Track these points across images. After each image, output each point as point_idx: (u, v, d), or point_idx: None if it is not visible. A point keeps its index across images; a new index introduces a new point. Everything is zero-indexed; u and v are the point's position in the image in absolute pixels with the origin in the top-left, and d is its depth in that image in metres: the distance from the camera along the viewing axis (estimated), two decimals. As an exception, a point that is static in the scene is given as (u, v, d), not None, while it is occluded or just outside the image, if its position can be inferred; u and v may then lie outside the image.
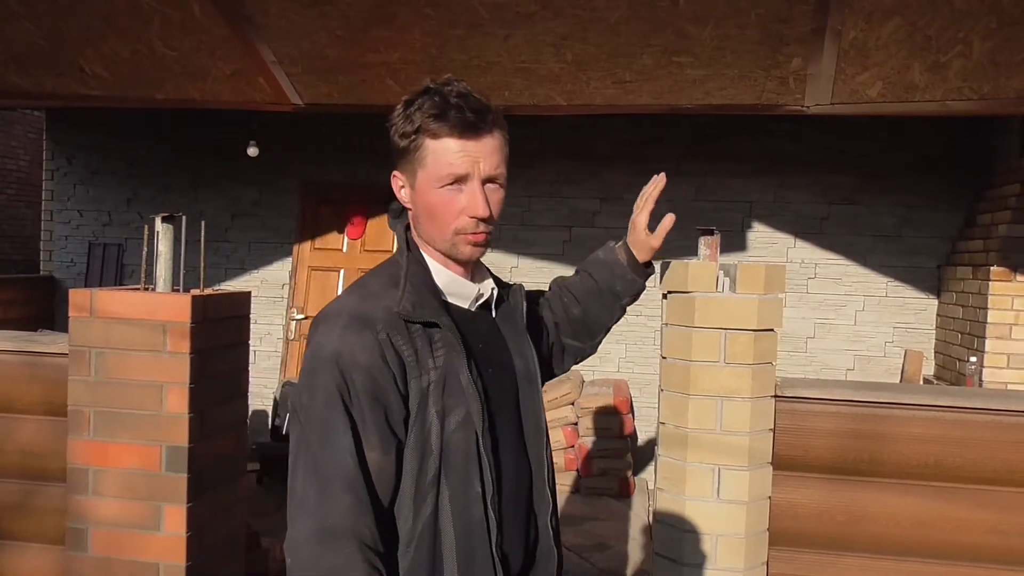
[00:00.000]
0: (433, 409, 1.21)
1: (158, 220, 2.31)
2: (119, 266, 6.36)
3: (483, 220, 1.26)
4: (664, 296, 2.28)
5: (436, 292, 1.30)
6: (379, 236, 6.03)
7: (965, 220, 5.43)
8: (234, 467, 2.47)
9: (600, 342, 1.72)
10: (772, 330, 2.22)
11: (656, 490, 2.33)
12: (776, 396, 2.28)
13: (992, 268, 4.66)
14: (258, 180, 6.15)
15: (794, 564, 2.34)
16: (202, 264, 2.36)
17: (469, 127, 1.25)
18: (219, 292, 2.41)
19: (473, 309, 1.35)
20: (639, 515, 4.86)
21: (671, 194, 6.04)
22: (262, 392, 5.78)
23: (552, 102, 4.59)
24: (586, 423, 5.26)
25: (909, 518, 2.31)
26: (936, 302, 5.55)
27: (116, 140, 6.43)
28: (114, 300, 2.21)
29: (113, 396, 2.21)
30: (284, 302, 6.13)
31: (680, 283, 2.21)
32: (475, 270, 1.37)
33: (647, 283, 1.69)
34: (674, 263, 2.21)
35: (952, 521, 2.30)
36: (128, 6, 3.90)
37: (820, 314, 5.66)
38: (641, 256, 1.65)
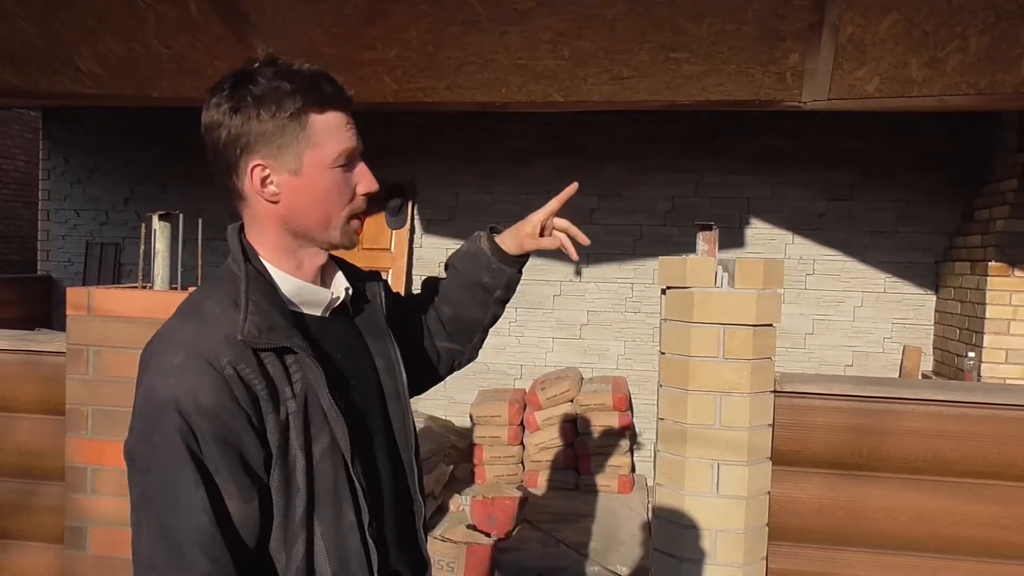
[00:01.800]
0: (295, 443, 1.08)
1: (155, 218, 2.30)
2: (116, 265, 6.35)
3: (372, 198, 1.19)
4: (662, 292, 2.28)
5: (282, 306, 1.14)
6: (376, 234, 6.02)
7: (963, 216, 5.43)
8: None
9: (478, 345, 1.59)
10: (771, 325, 2.22)
11: (655, 486, 2.33)
12: (775, 391, 2.28)
13: (990, 263, 4.66)
14: (255, 178, 6.14)
15: (793, 559, 2.34)
16: (199, 262, 2.36)
17: (347, 100, 1.17)
18: (217, 290, 2.41)
19: (327, 315, 1.21)
20: (638, 512, 4.87)
21: (670, 190, 6.08)
22: (260, 391, 5.78)
23: (549, 99, 4.58)
24: (585, 420, 5.26)
25: (908, 513, 2.31)
26: (934, 298, 5.55)
27: (113, 139, 6.41)
28: (112, 299, 2.21)
29: (111, 394, 2.21)
30: (282, 300, 6.13)
31: (678, 279, 2.21)
32: (326, 267, 1.24)
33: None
34: (673, 259, 2.21)
35: (951, 515, 2.30)
36: (123, 3, 3.88)
37: (818, 310, 5.67)
38: (511, 247, 1.53)
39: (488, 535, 4.08)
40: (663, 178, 5.77)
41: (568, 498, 5.09)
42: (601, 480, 5.21)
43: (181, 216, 2.32)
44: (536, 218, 1.55)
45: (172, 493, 1.00)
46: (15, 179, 9.49)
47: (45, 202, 6.60)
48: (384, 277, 1.39)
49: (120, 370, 2.20)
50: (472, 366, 6.17)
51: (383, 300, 1.33)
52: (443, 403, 5.97)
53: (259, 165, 1.13)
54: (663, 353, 2.29)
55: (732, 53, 4.02)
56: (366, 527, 1.13)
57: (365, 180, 1.18)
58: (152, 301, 2.20)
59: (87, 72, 4.50)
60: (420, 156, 5.99)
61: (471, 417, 5.48)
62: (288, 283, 1.16)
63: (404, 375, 1.30)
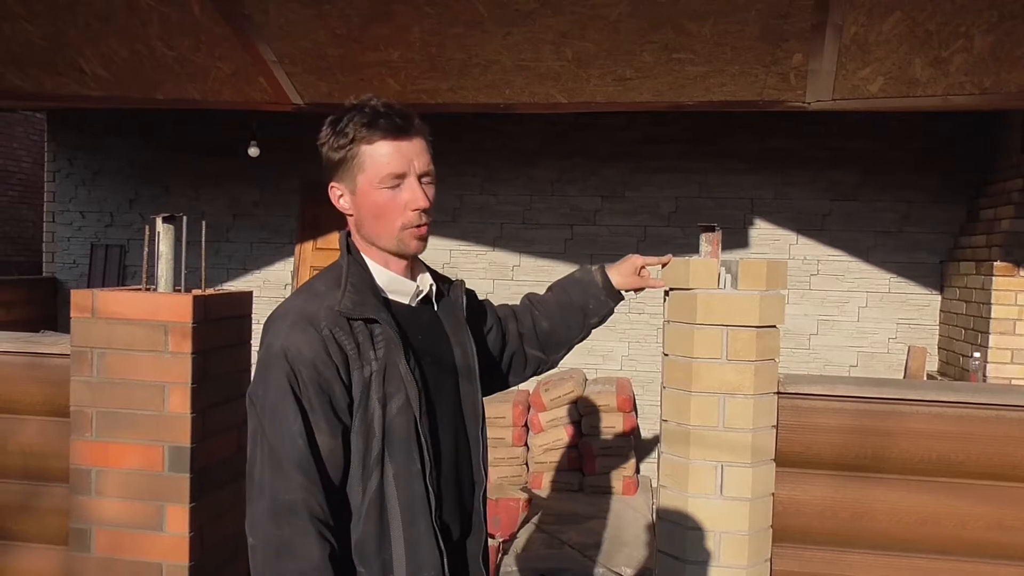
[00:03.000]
0: (375, 396, 1.34)
1: (159, 220, 2.30)
2: (121, 267, 6.37)
3: (424, 212, 1.40)
4: (665, 293, 2.27)
5: (376, 291, 1.41)
6: (380, 235, 6.03)
7: (967, 215, 5.42)
8: (235, 467, 2.47)
9: (560, 358, 1.87)
10: (774, 327, 2.21)
11: (659, 487, 2.33)
12: (779, 393, 2.27)
13: (995, 263, 4.65)
14: (259, 180, 6.15)
15: (798, 561, 2.33)
16: (203, 264, 2.36)
17: (399, 130, 1.39)
18: (220, 292, 2.41)
19: (414, 304, 1.47)
20: (642, 513, 4.86)
21: (673, 191, 6.07)
22: (264, 392, 5.78)
23: (552, 100, 4.58)
24: (589, 421, 5.25)
25: (913, 514, 2.31)
26: (939, 298, 5.53)
27: (117, 141, 6.43)
28: (116, 301, 2.21)
29: (115, 396, 2.21)
30: (286, 302, 6.13)
31: (682, 280, 2.20)
32: (414, 267, 1.49)
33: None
34: (675, 260, 2.21)
35: (956, 517, 2.29)
36: (127, 5, 3.89)
37: (823, 311, 5.66)
38: (618, 283, 1.86)
39: (492, 536, 4.08)
40: (666, 179, 5.76)
41: (572, 499, 5.08)
42: (605, 482, 5.21)
43: (185, 218, 2.32)
44: (638, 261, 1.90)
45: (278, 422, 1.28)
46: (20, 181, 9.52)
47: (50, 204, 6.62)
48: (468, 286, 1.66)
49: (124, 372, 2.21)
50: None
51: (464, 302, 1.58)
52: (447, 404, 5.97)
53: (334, 186, 1.43)
54: (666, 354, 2.28)
55: (735, 54, 4.02)
56: (427, 476, 1.36)
57: (413, 197, 1.39)
58: (156, 303, 2.21)
59: (91, 74, 4.51)
60: (423, 157, 5.99)
61: (475, 418, 5.48)
62: (382, 274, 1.44)
63: (477, 362, 1.53)
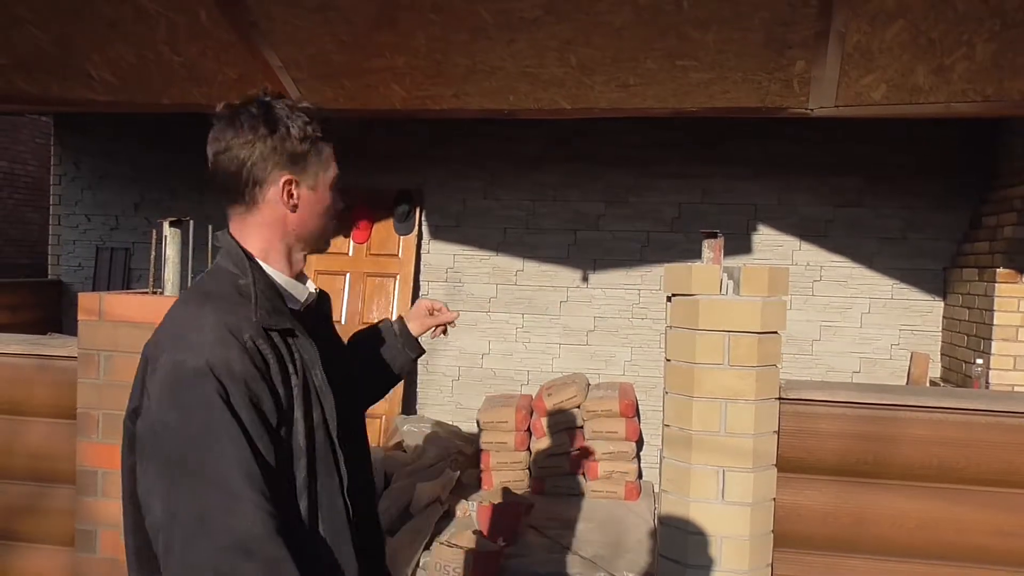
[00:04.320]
0: (298, 411, 1.27)
1: (166, 224, 2.32)
2: (126, 270, 6.39)
3: None
4: (668, 299, 2.29)
5: (280, 297, 1.36)
6: (385, 240, 6.05)
7: (970, 222, 5.43)
8: (241, 469, 2.49)
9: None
10: (776, 332, 2.23)
11: (661, 492, 2.34)
12: (780, 398, 2.28)
13: (998, 270, 4.65)
14: (264, 184, 6.18)
15: (799, 566, 2.35)
16: (209, 267, 2.38)
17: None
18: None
19: (302, 309, 1.43)
20: (645, 518, 4.87)
21: (676, 196, 6.08)
22: (268, 395, 5.80)
23: (556, 106, 4.60)
24: (592, 426, 5.26)
25: (914, 520, 2.32)
26: (942, 304, 5.54)
27: (123, 145, 6.46)
28: (122, 304, 2.23)
29: (121, 399, 2.23)
30: (290, 306, 6.15)
31: (684, 286, 2.22)
32: (300, 273, 1.46)
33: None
34: (678, 266, 2.22)
35: (957, 523, 2.30)
36: (134, 12, 3.92)
37: (825, 316, 5.66)
38: (414, 329, 1.85)
39: (495, 541, 4.09)
40: (670, 184, 5.78)
41: (575, 504, 5.09)
42: (608, 487, 5.22)
43: (192, 222, 2.34)
44: (426, 304, 1.89)
45: (218, 447, 1.13)
46: (26, 184, 9.56)
47: (56, 207, 6.66)
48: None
49: (130, 375, 2.23)
50: (479, 372, 6.15)
51: (331, 308, 1.59)
52: (450, 408, 5.98)
53: (290, 180, 1.37)
54: (668, 360, 2.30)
55: (739, 61, 4.04)
56: (345, 489, 1.33)
57: (339, 199, 1.46)
58: (162, 306, 2.22)
59: (98, 79, 4.54)
60: (427, 162, 6.02)
61: (478, 423, 5.50)
62: (280, 278, 1.38)
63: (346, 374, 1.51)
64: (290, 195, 1.37)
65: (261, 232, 1.38)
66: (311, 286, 1.46)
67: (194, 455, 1.13)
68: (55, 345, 2.43)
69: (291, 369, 1.28)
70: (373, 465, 5.09)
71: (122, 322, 2.24)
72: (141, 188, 6.43)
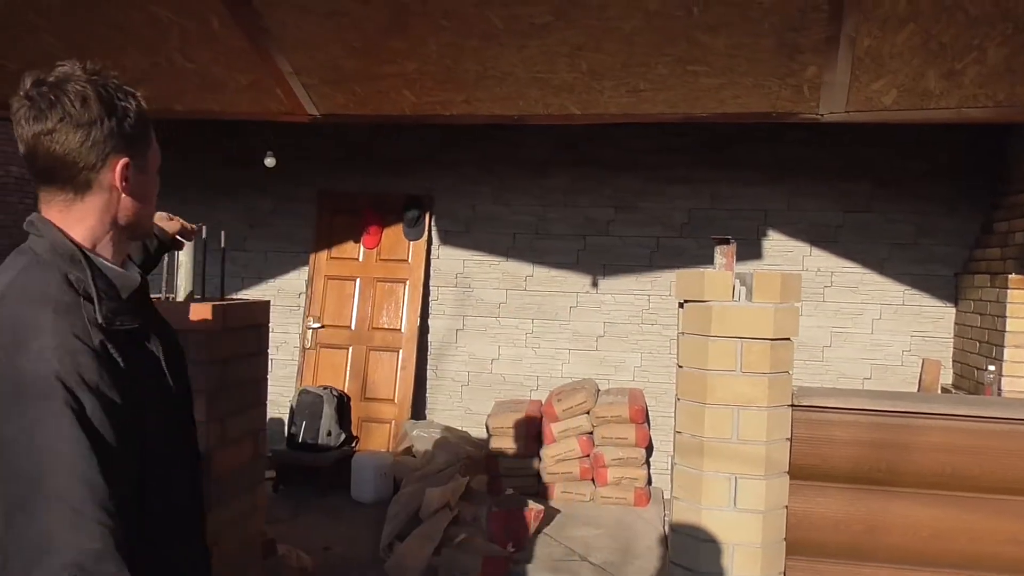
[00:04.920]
0: (149, 412, 1.23)
1: (179, 230, 2.33)
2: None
3: None
4: (680, 305, 2.29)
5: (117, 291, 1.26)
6: (395, 246, 6.06)
7: (982, 228, 5.40)
8: (252, 475, 2.49)
9: None
10: (788, 339, 2.22)
11: (672, 499, 2.34)
12: (793, 405, 2.28)
13: (1010, 276, 4.63)
14: (274, 190, 6.20)
15: (811, 573, 2.33)
16: (222, 273, 2.39)
17: None
18: (239, 301, 2.44)
19: (132, 298, 1.31)
20: (655, 525, 4.85)
21: (686, 202, 6.07)
22: (279, 400, 5.82)
23: (566, 111, 4.60)
24: (601, 432, 5.25)
25: (927, 528, 2.30)
26: (954, 310, 5.51)
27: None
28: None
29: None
30: (301, 311, 6.17)
31: (696, 292, 2.22)
32: (125, 259, 1.38)
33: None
34: (690, 272, 2.22)
35: (970, 531, 2.28)
36: (147, 19, 3.95)
37: (836, 323, 5.64)
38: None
39: (504, 547, 4.09)
40: (680, 190, 5.78)
41: (584, 510, 5.08)
42: (617, 493, 5.20)
43: (204, 228, 2.35)
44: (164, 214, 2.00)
45: (61, 462, 1.06)
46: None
47: (68, 213, 6.69)
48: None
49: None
50: (488, 377, 6.16)
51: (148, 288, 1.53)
52: (459, 413, 5.98)
53: (127, 162, 1.27)
54: (680, 366, 2.29)
55: (749, 66, 4.03)
56: (178, 491, 1.32)
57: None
58: (175, 312, 2.24)
59: (111, 86, 4.57)
60: (437, 168, 6.03)
61: (487, 428, 5.49)
62: (110, 269, 1.28)
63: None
64: (126, 179, 1.27)
65: (91, 219, 1.27)
66: (135, 271, 1.37)
67: (37, 471, 1.06)
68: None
69: (143, 370, 1.25)
70: (378, 468, 5.02)
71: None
72: (152, 193, 6.46)
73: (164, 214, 2.09)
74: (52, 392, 1.08)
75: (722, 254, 2.28)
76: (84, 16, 4.01)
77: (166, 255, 2.33)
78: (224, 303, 2.32)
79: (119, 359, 1.18)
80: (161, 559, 1.26)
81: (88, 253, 1.24)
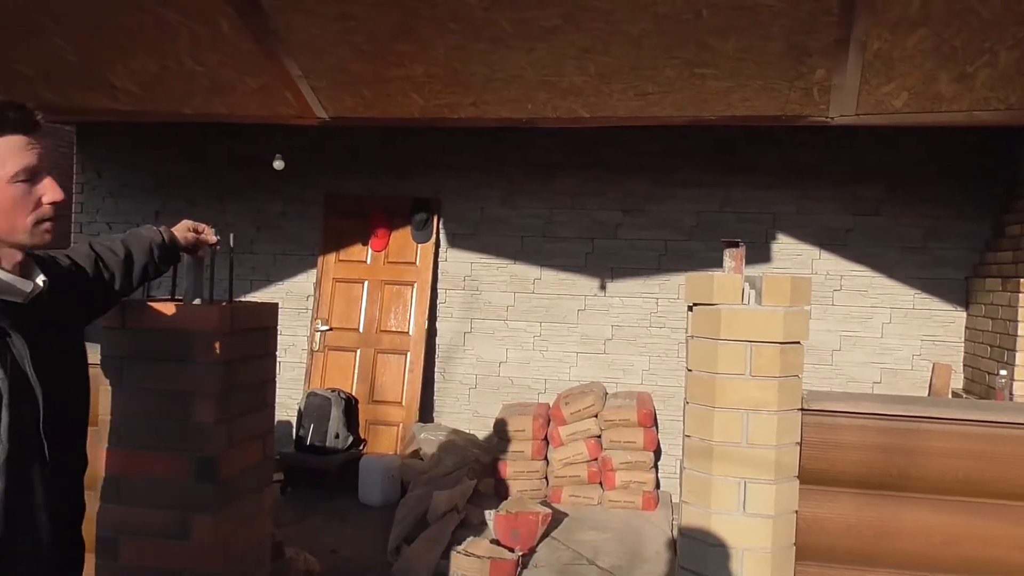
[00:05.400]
0: (3, 405, 1.34)
1: (187, 233, 2.34)
2: (146, 277, 6.44)
3: (60, 205, 1.43)
4: (689, 308, 2.28)
5: None
6: (402, 248, 6.07)
7: (992, 231, 5.37)
8: (260, 477, 2.49)
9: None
10: (798, 343, 2.21)
11: (681, 503, 2.32)
12: (803, 409, 2.26)
13: (1022, 280, 4.59)
14: (283, 192, 6.22)
15: (821, 579, 2.32)
16: (230, 276, 2.39)
17: (33, 124, 1.40)
18: (247, 303, 2.44)
19: (26, 302, 1.43)
20: (663, 529, 4.83)
21: (695, 205, 6.06)
22: (287, 403, 5.82)
23: (575, 114, 4.60)
24: (609, 435, 5.24)
25: (938, 533, 2.28)
26: (964, 314, 5.48)
27: (143, 154, 6.52)
28: (144, 311, 2.25)
29: (143, 406, 2.24)
30: (309, 313, 6.18)
31: (705, 295, 2.21)
32: (25, 264, 1.47)
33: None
34: (700, 275, 2.21)
35: (982, 537, 2.26)
36: (157, 22, 3.96)
37: (846, 326, 5.61)
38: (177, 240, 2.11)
39: (512, 550, 4.08)
40: (688, 193, 5.76)
41: (592, 514, 5.07)
42: (626, 496, 5.19)
43: (232, 235, 2.36)
44: (189, 223, 2.16)
45: None
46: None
47: (78, 215, 6.72)
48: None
49: (152, 382, 2.24)
50: (496, 380, 6.14)
51: (84, 285, 1.72)
52: (467, 416, 5.98)
53: None
54: (689, 370, 2.29)
55: (758, 69, 4.02)
56: (46, 474, 1.43)
57: (50, 191, 1.41)
58: (184, 314, 2.24)
59: (122, 89, 4.59)
60: (445, 170, 6.04)
61: (495, 431, 5.49)
62: None
63: (85, 361, 1.65)
64: None
65: None
66: (39, 279, 1.47)
67: None
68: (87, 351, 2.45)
69: (1, 365, 1.35)
70: (385, 471, 5.03)
71: (144, 329, 2.25)
72: (163, 196, 6.48)
73: (189, 223, 2.16)
74: None
75: (731, 257, 2.27)
76: (94, 19, 4.03)
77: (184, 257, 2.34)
78: (232, 305, 2.32)
79: None
80: (28, 524, 1.40)
81: None
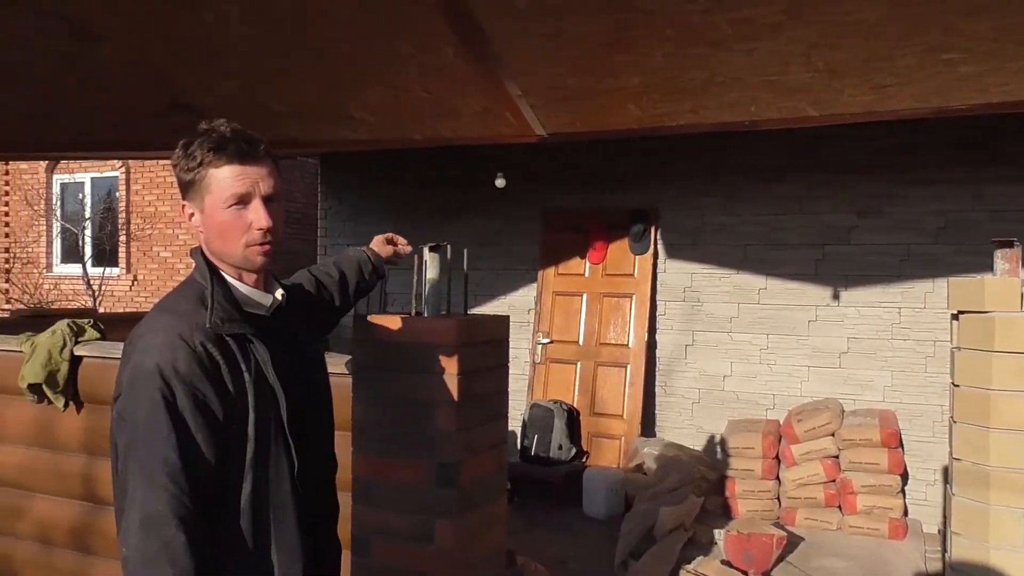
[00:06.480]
0: (250, 405, 1.46)
1: (426, 250, 2.46)
2: (383, 294, 6.91)
3: (267, 231, 1.50)
4: (954, 317, 2.05)
5: (238, 305, 1.53)
6: (620, 260, 6.04)
7: None
8: (496, 485, 2.55)
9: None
10: (1093, 354, 1.91)
11: (951, 534, 2.08)
12: (1101, 431, 1.95)
13: None
14: (500, 210, 6.42)
15: None
16: (464, 291, 2.48)
17: (245, 155, 1.49)
18: (481, 316, 2.52)
19: (269, 315, 1.59)
20: (915, 561, 4.40)
21: (940, 204, 5.52)
22: (511, 414, 5.96)
23: (802, 113, 4.35)
24: (848, 456, 4.87)
25: None
26: None
27: (375, 181, 7.03)
28: (387, 325, 2.38)
29: (390, 414, 2.38)
30: (530, 326, 6.32)
31: (974, 302, 1.97)
32: (267, 279, 1.62)
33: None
34: (966, 280, 1.98)
35: None
36: (389, 55, 4.24)
37: None
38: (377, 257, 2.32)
39: (745, 573, 3.89)
40: (931, 191, 5.25)
41: (831, 539, 4.73)
42: (869, 523, 4.79)
43: (449, 247, 2.46)
44: (383, 236, 2.38)
45: (151, 438, 1.37)
46: (296, 219, 10.72)
47: (322, 238, 7.36)
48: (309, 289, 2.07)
49: (396, 392, 2.37)
50: (720, 395, 5.95)
51: (313, 306, 1.93)
52: (690, 432, 5.82)
53: (186, 205, 1.54)
54: (957, 385, 2.05)
55: (1019, 49, 3.58)
56: (295, 475, 1.53)
57: (257, 217, 1.50)
58: (423, 327, 2.35)
59: (359, 119, 4.96)
60: (662, 180, 5.95)
61: (722, 447, 5.29)
62: (239, 288, 1.56)
63: (324, 357, 1.78)
64: (190, 219, 1.55)
65: (205, 248, 1.57)
66: (278, 293, 1.62)
67: (141, 442, 1.37)
68: (332, 363, 2.65)
69: (244, 368, 1.47)
70: (609, 485, 5.03)
71: (386, 342, 2.39)
72: (393, 219, 6.94)
73: (383, 237, 2.34)
74: (152, 380, 1.38)
75: (1004, 259, 2.01)
76: (335, 61, 4.37)
77: (416, 273, 2.47)
78: (468, 318, 2.41)
79: (220, 359, 1.44)
80: (280, 520, 1.50)
81: (221, 273, 1.54)
